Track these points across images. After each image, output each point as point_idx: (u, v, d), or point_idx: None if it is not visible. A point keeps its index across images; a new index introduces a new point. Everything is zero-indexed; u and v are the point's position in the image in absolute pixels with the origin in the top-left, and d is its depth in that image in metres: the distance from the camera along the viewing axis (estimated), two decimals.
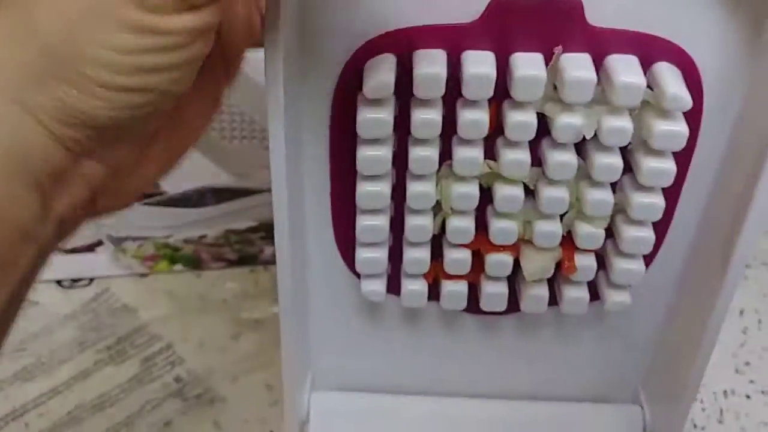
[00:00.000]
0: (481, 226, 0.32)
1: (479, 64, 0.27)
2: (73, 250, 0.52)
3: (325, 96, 0.30)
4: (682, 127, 0.28)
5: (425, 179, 0.30)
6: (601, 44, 0.28)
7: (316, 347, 0.37)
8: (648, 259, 0.33)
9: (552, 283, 0.34)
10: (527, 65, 0.28)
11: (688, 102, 0.27)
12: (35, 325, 0.50)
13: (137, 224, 0.51)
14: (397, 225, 0.33)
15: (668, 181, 0.29)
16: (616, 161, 0.29)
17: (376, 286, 0.34)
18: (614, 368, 0.38)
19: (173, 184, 0.50)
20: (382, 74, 0.28)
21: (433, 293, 0.34)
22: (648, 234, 0.31)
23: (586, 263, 0.33)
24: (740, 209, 0.29)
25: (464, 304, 0.34)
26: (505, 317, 0.36)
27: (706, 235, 0.33)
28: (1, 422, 0.45)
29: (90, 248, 0.52)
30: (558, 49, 0.28)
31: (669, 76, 0.28)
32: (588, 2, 0.27)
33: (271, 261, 0.54)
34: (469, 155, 0.29)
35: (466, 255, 0.33)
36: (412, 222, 0.32)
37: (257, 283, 0.53)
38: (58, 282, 0.53)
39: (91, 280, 0.53)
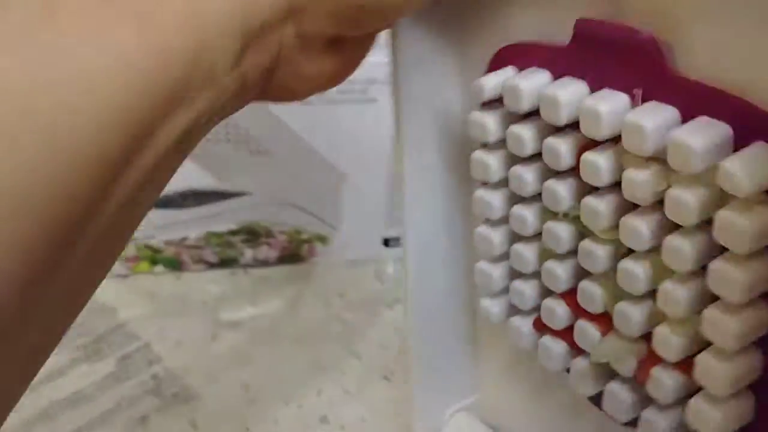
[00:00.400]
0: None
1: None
2: None
3: None
4: None
5: None
6: (689, 98, 0.23)
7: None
8: None
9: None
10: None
11: None
12: None
13: None
14: None
15: None
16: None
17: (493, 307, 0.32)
18: None
19: None
20: None
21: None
22: None
23: (663, 378, 0.25)
24: None
25: (559, 366, 0.30)
26: None
27: None
28: None
29: None
30: (637, 92, 0.24)
31: None
32: (677, 42, 0.23)
33: (251, 264, 0.55)
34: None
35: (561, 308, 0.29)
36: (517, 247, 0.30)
37: (237, 285, 0.54)
38: None
39: None
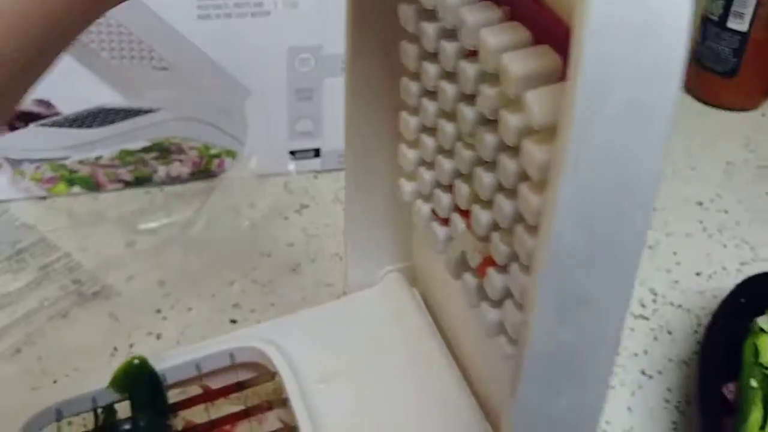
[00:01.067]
0: None
1: None
2: None
3: None
4: None
5: None
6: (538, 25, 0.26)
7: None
8: None
9: None
10: None
11: None
12: None
13: (33, 146, 0.54)
14: None
15: None
16: None
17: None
18: None
19: (67, 104, 0.53)
20: None
21: None
22: None
23: (495, 278, 0.29)
24: None
25: None
26: None
27: None
28: None
29: None
30: (506, 9, 0.27)
31: None
32: None
33: (166, 181, 0.58)
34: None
35: None
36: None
37: (152, 201, 0.57)
38: None
39: None
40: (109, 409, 0.38)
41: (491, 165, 0.28)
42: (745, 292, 0.46)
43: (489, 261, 0.29)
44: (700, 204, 0.59)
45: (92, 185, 0.57)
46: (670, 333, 0.49)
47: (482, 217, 0.29)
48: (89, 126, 0.54)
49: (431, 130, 0.33)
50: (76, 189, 0.57)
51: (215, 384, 0.39)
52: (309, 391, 0.37)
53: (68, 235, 0.53)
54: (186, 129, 0.56)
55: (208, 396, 0.39)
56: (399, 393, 0.37)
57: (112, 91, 0.54)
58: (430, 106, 0.32)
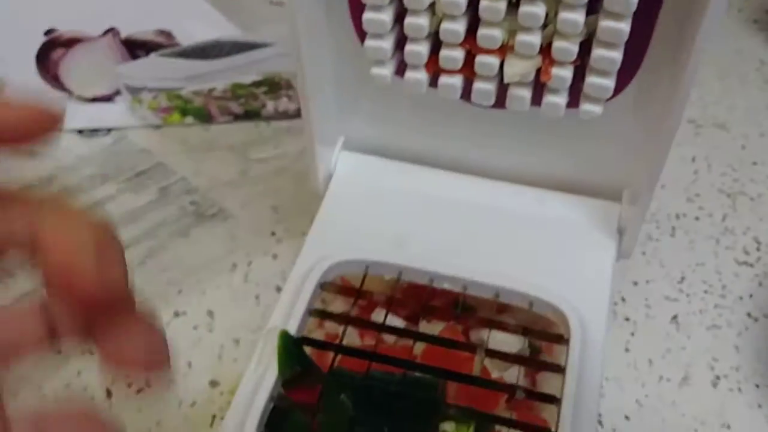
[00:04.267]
0: (473, 29, 0.36)
1: None
2: (94, 99, 0.57)
3: None
4: None
5: None
6: None
7: (344, 116, 0.42)
8: (626, 78, 0.36)
9: (536, 87, 0.37)
10: None
11: None
12: (60, 163, 0.55)
13: (152, 74, 0.56)
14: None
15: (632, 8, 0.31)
16: None
17: (383, 71, 0.38)
18: (601, 169, 0.41)
19: (185, 35, 0.55)
20: None
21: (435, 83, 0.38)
22: (615, 55, 0.34)
23: (562, 74, 0.36)
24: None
25: (458, 95, 0.39)
26: (498, 111, 0.39)
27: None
28: None
29: (109, 98, 0.57)
30: None
31: None
32: None
33: (273, 116, 0.60)
34: None
35: (458, 54, 0.37)
36: (409, 20, 0.37)
37: (261, 134, 0.59)
38: (80, 131, 0.58)
39: (109, 130, 0.58)
40: None
41: None
42: None
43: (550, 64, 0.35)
44: None
45: (204, 116, 0.59)
46: None
47: (534, 39, 0.34)
48: (205, 58, 0.56)
49: None
50: (189, 119, 0.59)
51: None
52: None
53: (184, 161, 0.56)
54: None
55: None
56: None
57: (229, 24, 0.55)
58: None
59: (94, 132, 0.58)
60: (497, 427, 0.33)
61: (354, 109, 0.42)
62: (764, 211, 0.54)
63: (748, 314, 0.47)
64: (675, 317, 0.46)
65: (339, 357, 0.35)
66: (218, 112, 0.59)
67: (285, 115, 0.60)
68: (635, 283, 0.48)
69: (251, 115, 0.60)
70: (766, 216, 0.53)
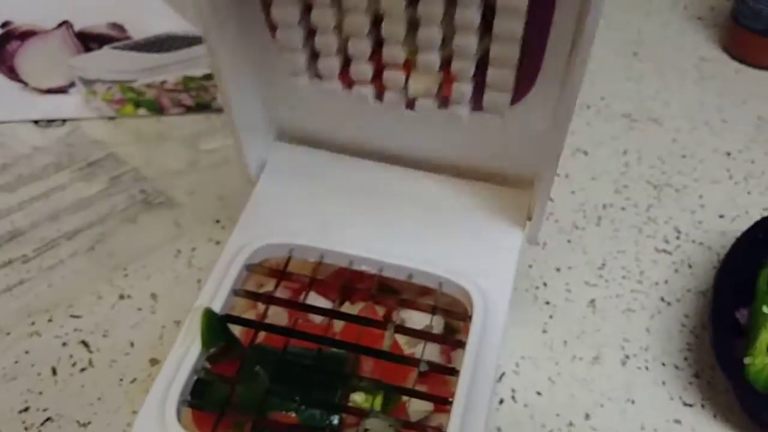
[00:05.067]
0: (381, 45, 0.37)
1: None
2: (49, 91, 0.59)
3: None
4: None
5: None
6: None
7: (269, 109, 0.44)
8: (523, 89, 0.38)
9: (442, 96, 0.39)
10: None
11: None
12: (15, 152, 0.57)
13: (105, 67, 0.59)
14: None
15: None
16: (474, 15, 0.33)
17: (300, 80, 0.40)
18: (510, 159, 0.43)
19: (137, 29, 0.57)
20: None
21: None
22: (508, 73, 0.36)
23: (462, 89, 0.38)
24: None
25: (372, 102, 0.40)
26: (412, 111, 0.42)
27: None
28: None
29: (64, 90, 0.59)
30: None
31: None
32: None
33: (223, 108, 0.62)
34: None
35: (367, 68, 0.38)
36: (319, 38, 0.38)
37: (211, 126, 0.61)
38: (35, 122, 0.60)
39: (64, 121, 0.60)
40: None
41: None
42: (762, 229, 0.49)
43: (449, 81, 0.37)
44: (729, 154, 0.62)
45: (157, 108, 0.61)
46: (690, 267, 0.52)
47: (434, 58, 0.36)
48: (157, 51, 0.59)
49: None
50: (142, 111, 0.61)
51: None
52: None
53: (135, 152, 0.58)
54: None
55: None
56: None
57: (180, 18, 0.58)
58: None
59: (49, 123, 0.60)
60: (404, 398, 0.36)
61: (280, 103, 0.44)
62: (687, 202, 0.57)
63: (662, 299, 0.50)
64: (593, 301, 0.49)
65: (261, 334, 0.37)
66: (170, 103, 0.61)
67: None
68: (558, 269, 0.51)
69: (202, 107, 0.62)
70: (689, 207, 0.57)
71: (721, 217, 0.56)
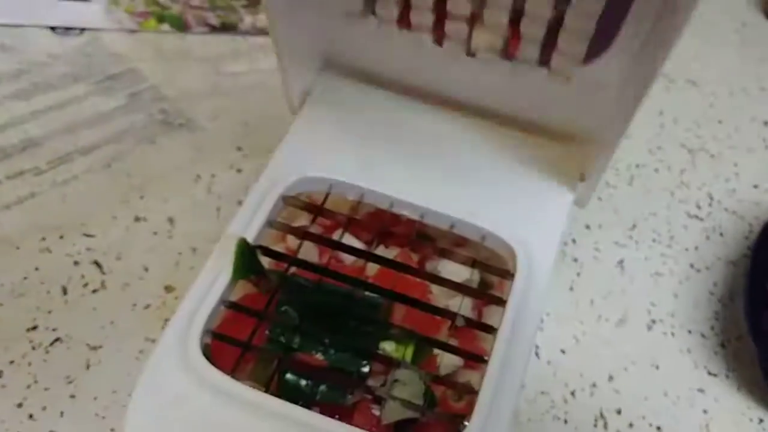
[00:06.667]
0: None
1: None
2: None
3: None
4: None
5: None
6: None
7: (319, 38, 0.42)
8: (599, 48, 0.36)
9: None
10: None
11: None
12: (30, 59, 0.55)
13: None
14: None
15: None
16: None
17: (356, 23, 0.39)
18: (572, 117, 0.41)
19: None
20: None
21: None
22: (581, 41, 0.34)
23: (528, 50, 0.36)
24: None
25: (430, 46, 0.39)
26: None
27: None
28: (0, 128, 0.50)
29: None
30: None
31: None
32: None
33: (250, 32, 0.59)
34: None
35: (428, 16, 0.37)
36: None
37: (237, 48, 0.59)
38: (53, 28, 0.57)
39: (83, 30, 0.57)
40: None
41: None
42: None
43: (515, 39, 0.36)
44: (766, 123, 0.60)
45: (180, 25, 0.58)
46: (721, 235, 0.51)
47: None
48: None
49: None
50: (165, 26, 0.58)
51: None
52: None
53: (156, 69, 0.55)
54: None
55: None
56: None
57: None
58: None
59: (67, 31, 0.57)
60: (435, 351, 0.34)
61: (329, 30, 0.41)
62: (722, 168, 0.55)
63: (691, 265, 0.49)
64: (621, 262, 0.48)
65: (293, 269, 0.36)
66: (195, 21, 0.58)
67: (263, 32, 0.60)
68: (587, 227, 0.50)
69: (228, 27, 0.59)
70: (723, 174, 0.55)
71: (755, 187, 0.54)
